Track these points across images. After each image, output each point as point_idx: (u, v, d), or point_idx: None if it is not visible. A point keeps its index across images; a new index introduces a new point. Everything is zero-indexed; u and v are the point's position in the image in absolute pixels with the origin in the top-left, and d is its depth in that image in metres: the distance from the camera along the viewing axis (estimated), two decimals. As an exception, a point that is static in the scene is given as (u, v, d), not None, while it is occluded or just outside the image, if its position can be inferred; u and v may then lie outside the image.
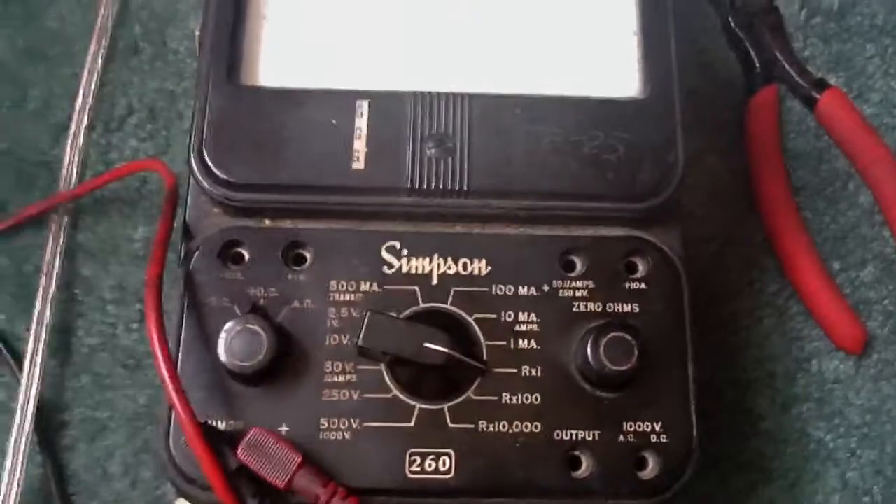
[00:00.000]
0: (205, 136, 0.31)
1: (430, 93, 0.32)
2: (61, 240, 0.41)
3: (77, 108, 0.43)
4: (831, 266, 0.42)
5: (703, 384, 0.39)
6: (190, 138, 0.31)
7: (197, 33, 0.36)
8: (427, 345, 0.28)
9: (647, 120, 0.32)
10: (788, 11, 0.47)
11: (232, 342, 0.28)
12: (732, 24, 0.45)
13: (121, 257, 0.41)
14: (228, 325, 0.29)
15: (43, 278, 0.40)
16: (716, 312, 0.41)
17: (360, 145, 0.31)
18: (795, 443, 0.40)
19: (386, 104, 0.32)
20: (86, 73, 0.43)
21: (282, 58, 0.33)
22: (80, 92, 0.43)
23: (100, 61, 0.44)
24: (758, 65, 0.45)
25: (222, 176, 0.31)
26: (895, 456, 0.40)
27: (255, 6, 0.33)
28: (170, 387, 0.26)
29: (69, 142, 0.42)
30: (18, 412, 0.37)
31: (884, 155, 0.43)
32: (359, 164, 0.31)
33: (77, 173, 0.42)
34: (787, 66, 0.45)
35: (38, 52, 0.44)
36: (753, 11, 0.45)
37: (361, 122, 0.31)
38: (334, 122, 0.31)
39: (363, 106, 0.31)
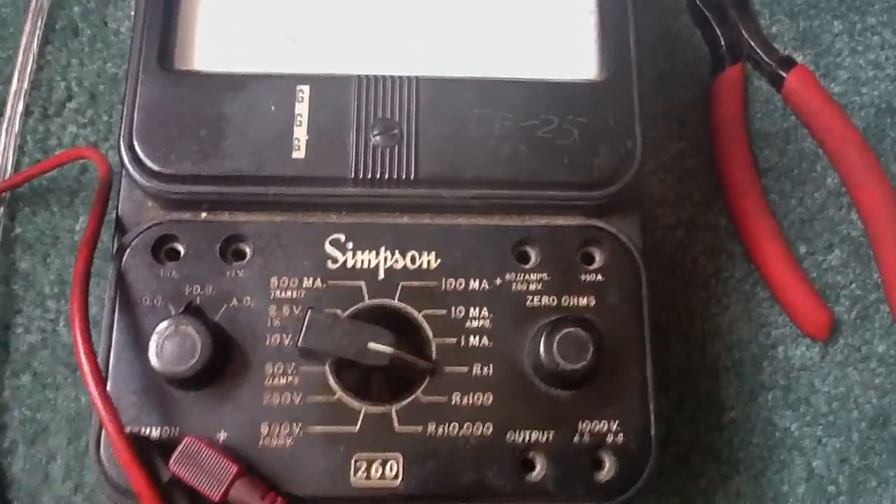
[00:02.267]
0: (135, 125, 0.29)
1: (374, 76, 0.30)
2: (-3, 232, 0.39)
3: (12, 92, 0.41)
4: (798, 250, 0.41)
5: (672, 374, 0.39)
6: (120, 127, 0.29)
7: (132, 13, 0.35)
8: (371, 345, 0.27)
9: (604, 103, 0.30)
10: (755, -13, 0.45)
11: (164, 345, 0.27)
12: (697, 2, 0.44)
13: (61, 250, 0.39)
14: (160, 326, 0.27)
15: (-23, 273, 0.38)
16: (684, 300, 0.40)
17: (300, 133, 0.29)
18: (761, 432, 0.39)
19: (328, 89, 0.30)
20: (21, 56, 0.41)
21: (218, 41, 0.31)
22: (16, 76, 0.41)
23: (36, 43, 0.41)
24: (723, 43, 0.43)
25: (155, 167, 0.29)
26: (861, 444, 0.39)
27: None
28: (95, 396, 0.25)
29: (4, 128, 0.40)
30: (-46, 415, 0.36)
31: (851, 135, 0.42)
32: (300, 153, 0.29)
33: (13, 161, 0.40)
34: (753, 43, 0.44)
35: (-31, 34, 0.42)
36: (718, -12, 0.44)
37: (302, 109, 0.30)
38: (273, 108, 0.29)
39: (304, 91, 0.30)
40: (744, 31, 0.44)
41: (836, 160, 0.42)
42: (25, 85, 0.41)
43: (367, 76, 0.30)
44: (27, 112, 0.41)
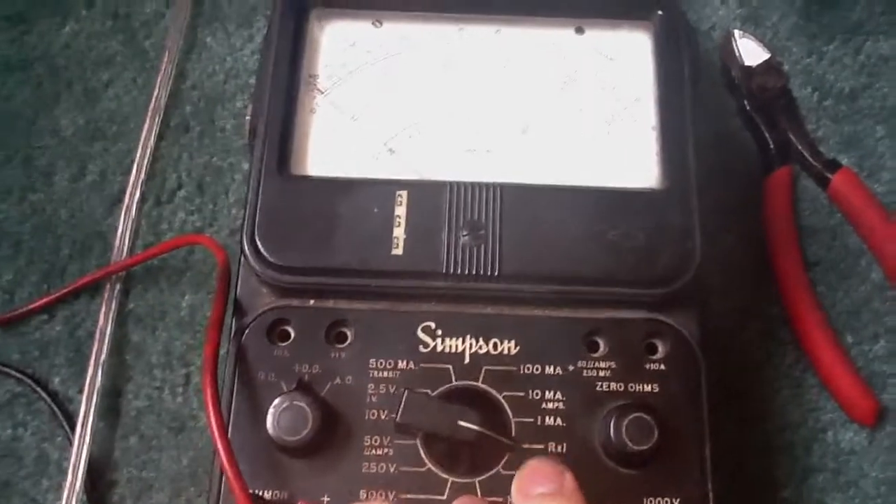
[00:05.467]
0: (257, 223, 0.34)
1: (464, 183, 0.34)
2: (113, 307, 0.43)
3: (131, 181, 0.46)
4: (845, 339, 0.44)
5: (726, 453, 0.41)
6: (243, 224, 0.34)
7: (248, 118, 0.39)
8: (460, 422, 0.30)
9: (666, 210, 0.34)
10: (801, 94, 0.49)
11: (280, 417, 0.31)
12: (748, 108, 0.48)
13: (168, 324, 0.43)
14: (276, 400, 0.31)
15: (95, 343, 0.42)
16: (737, 383, 0.43)
17: (399, 232, 0.33)
18: (812, 512, 0.41)
19: (424, 194, 0.34)
20: (139, 149, 0.46)
21: (328, 150, 0.36)
22: (134, 167, 0.46)
23: (153, 138, 0.47)
24: (773, 146, 0.47)
25: (272, 260, 0.33)
26: (909, 527, 0.41)
27: (304, 101, 0.36)
28: (224, 459, 0.29)
29: (123, 213, 0.45)
30: (70, 471, 0.39)
31: (893, 233, 0.45)
32: (398, 251, 0.33)
33: (129, 243, 0.45)
34: (800, 147, 0.47)
35: (96, 129, 0.47)
36: (768, 96, 0.47)
37: (401, 211, 0.34)
38: (375, 210, 0.34)
39: (402, 196, 0.34)
40: (792, 136, 0.47)
41: (880, 256, 0.45)
42: (143, 175, 0.46)
43: (457, 183, 0.34)
44: (143, 199, 0.46)
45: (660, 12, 0.37)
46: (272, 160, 0.35)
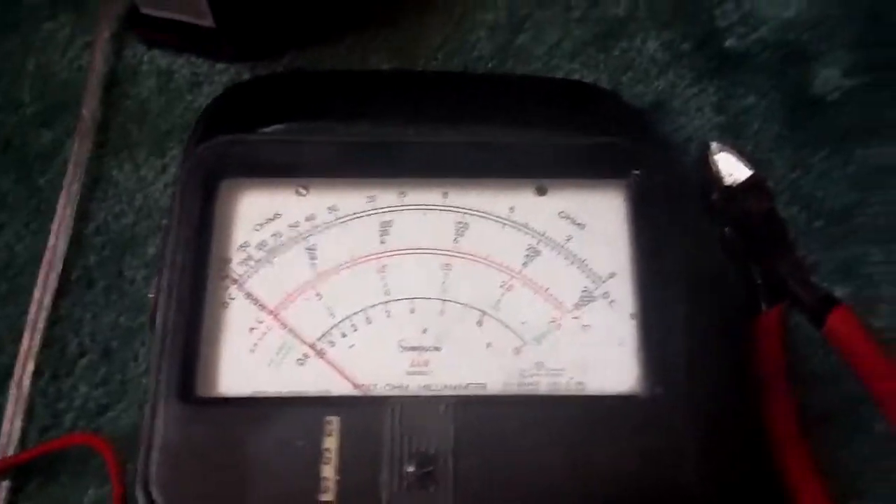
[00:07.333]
0: (154, 468, 0.27)
1: (408, 398, 0.28)
2: (1, 511, 0.37)
3: (22, 351, 0.39)
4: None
5: None
6: (135, 469, 0.27)
7: (150, 295, 0.33)
8: None
9: (651, 424, 0.29)
10: (788, 214, 0.44)
11: None
12: (730, 236, 0.42)
13: (69, 526, 0.37)
14: None
15: (-24, 563, 0.36)
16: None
17: (329, 471, 0.27)
18: None
19: (358, 418, 0.28)
20: (33, 311, 0.40)
21: (244, 357, 0.30)
22: (27, 333, 0.39)
23: (49, 297, 0.40)
24: (760, 280, 0.42)
25: (174, 514, 0.27)
26: None
27: (214, 294, 0.30)
28: None
29: (12, 392, 0.39)
30: None
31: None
32: (328, 496, 0.27)
33: (21, 427, 0.38)
34: (791, 281, 0.42)
35: (-21, 288, 0.40)
36: (753, 222, 0.42)
37: (331, 443, 0.28)
38: (300, 442, 0.28)
39: (333, 422, 0.28)
40: (781, 268, 0.42)
41: (883, 406, 0.40)
42: (36, 343, 0.39)
43: (400, 399, 0.28)
44: (37, 372, 0.39)
45: (635, 172, 0.32)
46: (173, 381, 0.28)
